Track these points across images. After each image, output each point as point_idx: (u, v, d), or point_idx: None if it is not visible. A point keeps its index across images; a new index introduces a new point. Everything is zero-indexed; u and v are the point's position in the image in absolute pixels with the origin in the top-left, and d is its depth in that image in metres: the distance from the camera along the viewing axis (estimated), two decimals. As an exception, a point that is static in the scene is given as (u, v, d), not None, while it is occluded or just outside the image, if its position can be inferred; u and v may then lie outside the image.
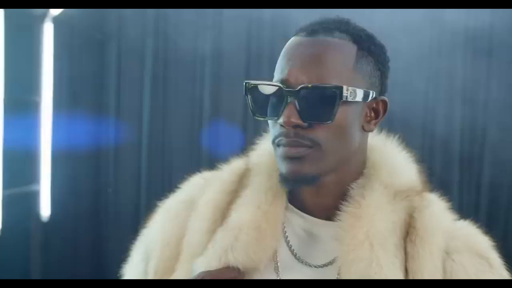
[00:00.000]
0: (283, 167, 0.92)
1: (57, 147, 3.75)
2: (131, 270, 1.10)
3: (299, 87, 0.89)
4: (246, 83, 0.95)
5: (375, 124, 0.97)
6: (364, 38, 0.95)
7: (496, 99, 3.71)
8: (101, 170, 4.03)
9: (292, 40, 0.95)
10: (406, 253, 0.92)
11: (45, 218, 3.78)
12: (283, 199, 0.99)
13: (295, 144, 0.90)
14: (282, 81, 0.91)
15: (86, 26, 3.89)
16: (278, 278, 0.95)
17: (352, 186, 0.96)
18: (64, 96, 3.84)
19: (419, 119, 3.85)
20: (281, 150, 0.91)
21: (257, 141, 1.09)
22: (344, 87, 0.89)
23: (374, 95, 0.94)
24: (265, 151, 1.05)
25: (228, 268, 0.92)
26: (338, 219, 0.93)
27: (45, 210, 3.77)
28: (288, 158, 0.91)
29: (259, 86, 0.94)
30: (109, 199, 4.02)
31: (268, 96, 0.93)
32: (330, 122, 0.89)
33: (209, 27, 3.88)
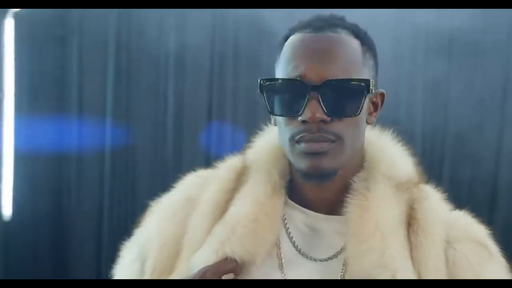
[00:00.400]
0: (305, 163, 0.92)
1: (19, 145, 3.68)
2: (123, 270, 1.09)
3: (322, 81, 0.89)
4: (261, 80, 0.95)
5: (375, 117, 1.00)
6: (363, 34, 0.97)
7: (457, 98, 3.79)
8: (64, 168, 3.96)
9: (299, 36, 0.95)
10: (410, 243, 0.94)
11: (7, 217, 3.71)
12: (282, 193, 1.00)
13: (319, 140, 0.90)
14: (300, 77, 0.90)
15: (47, 21, 3.82)
16: (283, 275, 0.96)
17: (354, 179, 0.97)
18: (25, 93, 3.77)
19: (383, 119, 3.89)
20: (302, 146, 0.91)
21: (253, 139, 1.09)
22: (371, 81, 0.91)
23: (376, 88, 0.97)
24: (262, 148, 1.06)
25: (226, 260, 0.92)
26: (346, 211, 0.95)
27: (6, 209, 3.70)
28: (310, 153, 0.90)
29: (276, 83, 0.94)
30: (72, 198, 3.96)
31: (285, 93, 0.92)
32: (357, 115, 0.91)
33: (173, 23, 3.85)
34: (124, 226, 3.82)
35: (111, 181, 3.93)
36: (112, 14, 3.86)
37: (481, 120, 3.77)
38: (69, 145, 3.93)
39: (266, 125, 1.09)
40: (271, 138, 1.06)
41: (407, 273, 0.90)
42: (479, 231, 1.01)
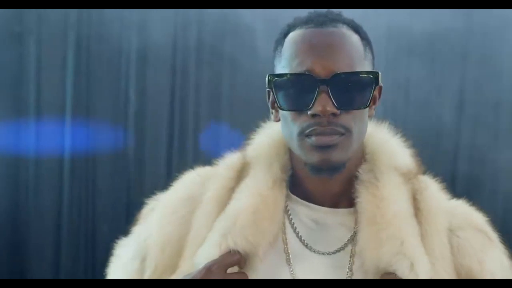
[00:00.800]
0: (315, 157, 0.93)
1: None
2: (120, 269, 1.09)
3: (331, 75, 0.91)
4: (269, 76, 0.96)
5: (373, 110, 1.03)
6: (360, 28, 1.00)
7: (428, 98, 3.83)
8: (21, 169, 3.87)
9: (301, 32, 0.97)
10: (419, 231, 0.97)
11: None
12: (283, 186, 1.02)
13: (330, 132, 0.92)
14: (308, 72, 0.92)
15: (4, 18, 3.72)
16: (291, 270, 0.97)
17: (359, 171, 1.00)
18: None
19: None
20: (313, 139, 0.93)
21: (252, 136, 1.11)
22: (379, 73, 0.95)
23: None
24: (262, 144, 1.07)
25: (229, 253, 0.93)
26: (358, 201, 0.97)
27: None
28: (320, 147, 0.92)
29: (284, 78, 0.95)
30: (29, 200, 3.86)
31: (293, 87, 0.94)
32: (366, 107, 0.94)
33: (134, 18, 3.78)
34: (84, 227, 3.76)
35: (69, 181, 3.83)
36: (71, 10, 3.77)
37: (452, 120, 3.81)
38: (27, 145, 3.83)
39: (264, 122, 1.12)
40: (270, 134, 1.08)
41: (423, 261, 0.92)
42: (478, 218, 1.05)
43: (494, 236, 1.04)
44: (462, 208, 1.06)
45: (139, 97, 3.86)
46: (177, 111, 3.87)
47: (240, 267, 0.94)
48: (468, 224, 1.02)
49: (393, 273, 0.90)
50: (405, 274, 0.90)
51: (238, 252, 0.93)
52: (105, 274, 1.11)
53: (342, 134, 0.93)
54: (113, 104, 3.88)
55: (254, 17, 3.61)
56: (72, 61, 3.82)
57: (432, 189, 1.04)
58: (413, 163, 1.05)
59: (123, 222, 3.85)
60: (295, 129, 0.95)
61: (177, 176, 1.13)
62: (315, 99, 0.90)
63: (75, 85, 3.83)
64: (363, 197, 0.97)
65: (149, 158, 3.80)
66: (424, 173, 1.06)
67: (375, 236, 0.94)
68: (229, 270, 0.92)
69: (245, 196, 0.99)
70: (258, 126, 1.10)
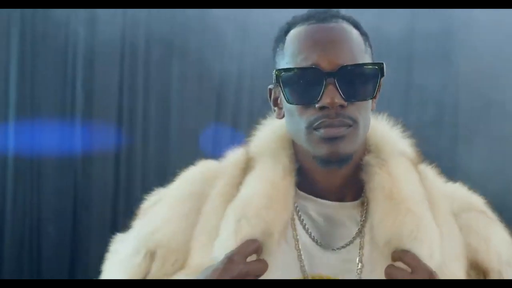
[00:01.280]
0: (323, 149, 0.95)
1: None
2: (118, 265, 1.08)
3: (337, 68, 0.93)
4: (276, 71, 0.98)
5: (375, 102, 1.04)
6: (359, 24, 1.03)
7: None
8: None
9: (303, 28, 0.99)
10: None
11: None
12: (292, 176, 1.02)
13: (338, 124, 0.94)
14: (314, 65, 0.94)
15: None
16: (302, 266, 0.99)
17: (366, 158, 1.02)
18: None
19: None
20: (322, 132, 0.94)
21: (253, 133, 1.11)
22: (383, 64, 0.97)
23: None
24: (266, 139, 1.08)
25: (248, 241, 0.93)
26: (371, 188, 1.00)
27: None
28: (329, 139, 0.94)
29: (291, 73, 0.97)
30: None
31: (300, 81, 0.95)
32: (373, 97, 0.98)
33: (82, 13, 3.71)
34: (29, 225, 3.68)
35: (13, 181, 3.72)
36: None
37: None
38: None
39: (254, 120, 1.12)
40: (273, 129, 1.09)
41: (438, 243, 0.95)
42: (477, 200, 1.10)
43: (493, 216, 1.09)
44: (461, 192, 1.10)
45: (86, 92, 3.80)
46: (126, 109, 3.84)
47: (258, 255, 0.94)
48: (469, 206, 1.06)
49: (408, 251, 0.92)
50: (422, 253, 0.92)
51: (256, 240, 0.94)
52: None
53: (350, 126, 0.95)
54: (59, 103, 3.80)
55: (203, 12, 3.61)
56: (16, 58, 3.71)
57: (431, 175, 1.07)
58: (412, 151, 1.08)
59: (69, 224, 3.79)
60: (302, 123, 0.96)
61: (177, 173, 1.13)
62: (323, 92, 0.93)
63: (19, 83, 3.72)
64: (378, 176, 1.00)
65: (97, 158, 3.75)
66: (422, 161, 1.10)
67: (393, 209, 0.96)
68: (249, 259, 0.93)
69: (255, 185, 1.00)
70: (257, 123, 1.11)
